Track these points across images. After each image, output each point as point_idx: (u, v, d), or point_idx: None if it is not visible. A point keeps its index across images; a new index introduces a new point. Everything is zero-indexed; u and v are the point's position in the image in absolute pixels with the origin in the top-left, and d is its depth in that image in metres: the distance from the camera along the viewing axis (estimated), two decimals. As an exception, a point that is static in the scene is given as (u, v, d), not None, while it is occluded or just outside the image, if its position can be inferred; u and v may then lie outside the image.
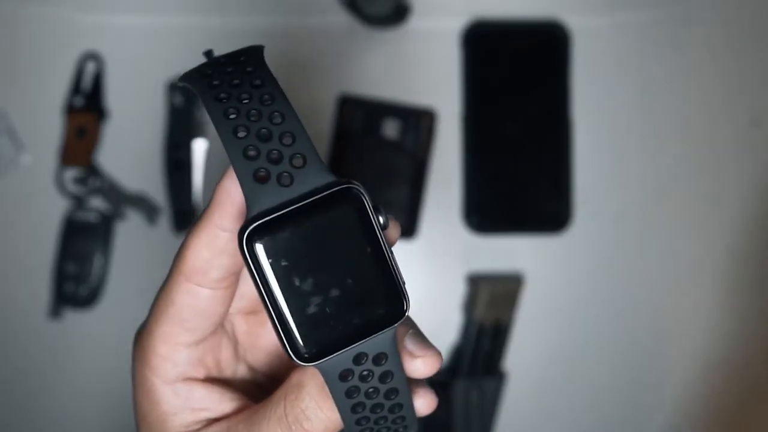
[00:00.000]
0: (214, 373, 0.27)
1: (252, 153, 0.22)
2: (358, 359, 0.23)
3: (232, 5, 0.63)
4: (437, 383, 0.61)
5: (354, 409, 0.24)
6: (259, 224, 0.22)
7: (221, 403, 0.26)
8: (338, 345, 0.23)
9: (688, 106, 0.63)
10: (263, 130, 0.22)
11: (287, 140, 0.22)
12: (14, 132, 0.62)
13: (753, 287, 0.63)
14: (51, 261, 0.62)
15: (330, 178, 0.22)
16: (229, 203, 0.23)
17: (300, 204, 0.22)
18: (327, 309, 0.22)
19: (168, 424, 0.26)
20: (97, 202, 0.62)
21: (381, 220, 0.23)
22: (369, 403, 0.24)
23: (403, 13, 0.61)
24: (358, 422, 0.25)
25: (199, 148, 0.62)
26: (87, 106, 0.62)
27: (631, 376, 0.63)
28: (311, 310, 0.22)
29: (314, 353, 0.22)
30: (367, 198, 0.22)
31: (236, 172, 0.22)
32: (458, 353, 0.61)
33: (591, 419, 0.63)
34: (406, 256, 0.62)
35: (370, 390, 0.24)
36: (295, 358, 0.22)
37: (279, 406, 0.24)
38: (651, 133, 0.63)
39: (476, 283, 0.61)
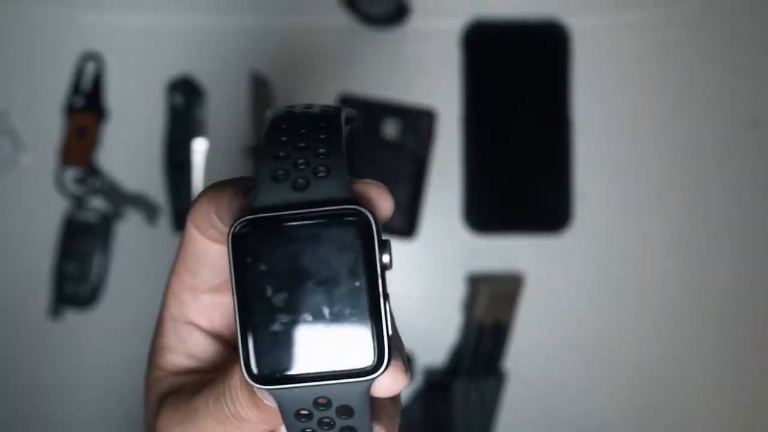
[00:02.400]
0: (221, 330, 0.27)
1: (282, 154, 0.21)
2: (317, 403, 0.21)
3: (232, 5, 0.63)
4: (437, 383, 0.61)
5: None
6: (255, 218, 0.20)
7: (215, 358, 0.26)
8: (295, 378, 0.20)
9: (688, 106, 0.63)
10: (301, 143, 0.22)
11: (322, 151, 0.21)
12: (14, 132, 0.62)
13: (754, 286, 0.63)
14: (51, 261, 0.62)
15: (347, 195, 0.21)
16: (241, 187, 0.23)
17: (303, 211, 0.20)
18: (294, 333, 0.20)
19: (162, 358, 0.26)
20: (97, 202, 0.62)
21: (385, 259, 0.20)
22: None
23: (403, 13, 0.61)
24: None
25: (199, 148, 0.62)
26: (87, 106, 0.61)
27: (632, 375, 0.63)
28: (276, 327, 0.20)
29: (265, 376, 0.20)
30: (376, 229, 0.20)
31: (258, 168, 0.21)
32: (458, 353, 0.61)
33: (591, 419, 0.63)
34: (406, 256, 0.62)
35: None
36: (245, 375, 0.20)
37: (220, 381, 0.23)
38: (651, 132, 0.63)
39: (476, 283, 0.61)
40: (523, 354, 0.62)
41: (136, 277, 0.62)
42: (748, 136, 0.63)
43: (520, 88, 0.63)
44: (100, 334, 0.62)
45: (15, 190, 0.62)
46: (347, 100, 0.61)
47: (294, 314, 0.20)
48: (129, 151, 0.63)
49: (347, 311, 0.20)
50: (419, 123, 0.61)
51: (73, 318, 0.62)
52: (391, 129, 0.61)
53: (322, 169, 0.21)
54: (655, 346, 0.63)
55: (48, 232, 0.62)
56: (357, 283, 0.20)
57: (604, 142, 0.63)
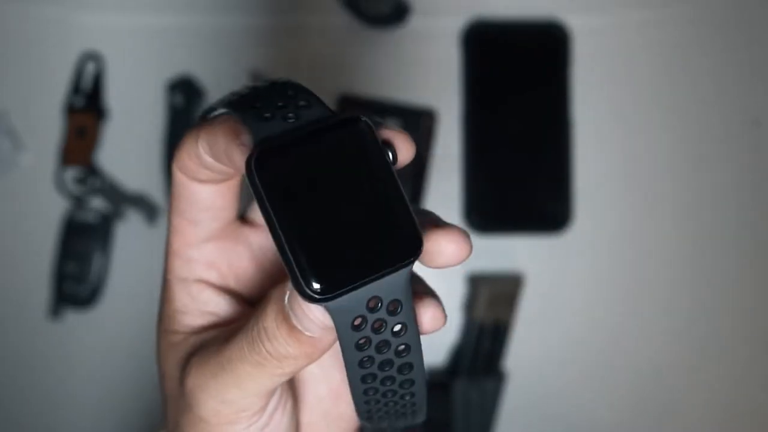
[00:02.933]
0: (231, 282, 0.27)
1: (264, 112, 0.22)
2: (369, 307, 0.21)
3: (232, 5, 0.63)
4: (437, 383, 0.61)
5: (362, 364, 0.22)
6: (267, 148, 0.21)
7: (229, 311, 0.26)
8: (352, 279, 0.21)
9: (688, 106, 0.63)
10: (280, 102, 0.22)
11: (302, 104, 0.22)
12: (14, 132, 0.62)
13: (754, 286, 0.63)
14: (51, 261, 0.62)
15: (334, 113, 0.22)
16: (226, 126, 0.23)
17: (307, 130, 0.21)
18: (340, 241, 0.21)
19: (177, 322, 0.26)
20: (97, 202, 0.62)
21: (390, 154, 0.22)
22: (378, 358, 0.22)
23: (403, 13, 0.61)
24: (364, 379, 0.23)
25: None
26: (87, 106, 0.62)
27: (631, 375, 0.63)
28: (323, 241, 0.20)
29: (325, 288, 0.20)
30: (375, 129, 0.21)
31: (243, 119, 0.22)
32: (458, 353, 0.61)
33: (591, 419, 0.63)
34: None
35: (381, 342, 0.22)
36: (305, 294, 0.20)
37: (252, 326, 0.23)
38: (651, 132, 0.63)
39: (476, 283, 0.61)
40: (523, 354, 0.62)
41: (136, 277, 0.62)
42: (749, 136, 0.63)
43: (520, 88, 0.63)
44: (100, 334, 0.62)
45: (15, 190, 0.62)
46: (347, 100, 0.61)
47: (336, 223, 0.21)
48: (129, 151, 0.63)
49: (377, 206, 0.21)
50: (419, 123, 0.61)
51: (73, 318, 0.62)
52: (391, 129, 0.61)
53: (303, 103, 0.22)
54: (655, 345, 0.63)
55: (48, 232, 0.62)
56: (376, 180, 0.21)
57: (604, 142, 0.62)
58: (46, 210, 0.62)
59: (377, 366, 0.23)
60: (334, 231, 0.21)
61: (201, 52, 0.63)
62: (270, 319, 0.22)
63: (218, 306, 0.26)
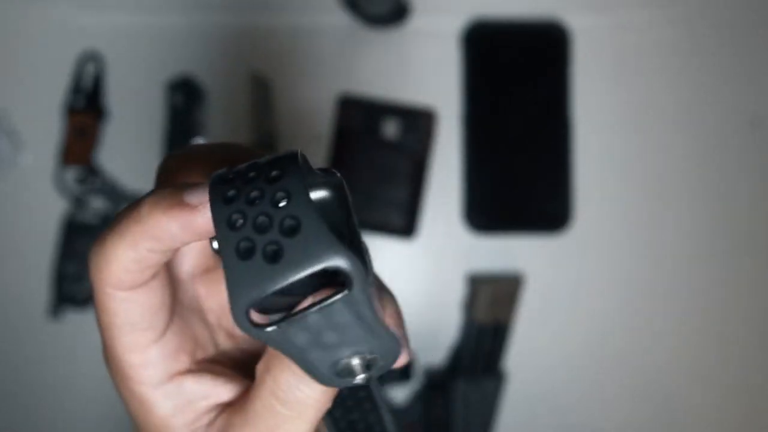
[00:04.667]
0: (199, 356, 0.25)
1: (235, 216, 0.20)
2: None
3: (232, 5, 0.63)
4: (437, 383, 0.61)
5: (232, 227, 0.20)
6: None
7: (215, 387, 0.24)
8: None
9: (688, 106, 0.63)
10: (254, 193, 0.20)
11: (280, 195, 0.19)
12: (14, 132, 0.62)
13: (755, 286, 0.63)
14: (51, 261, 0.62)
15: (332, 253, 0.19)
16: (158, 228, 0.21)
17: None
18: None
19: (170, 427, 0.24)
20: (97, 202, 0.62)
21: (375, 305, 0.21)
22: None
23: (403, 13, 0.61)
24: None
25: (199, 148, 0.62)
26: (87, 106, 0.62)
27: (631, 375, 0.63)
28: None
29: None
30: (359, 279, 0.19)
31: (219, 247, 0.20)
32: (458, 353, 0.61)
33: (590, 419, 0.63)
34: (406, 256, 0.62)
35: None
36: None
37: (265, 382, 0.22)
38: (651, 132, 0.63)
39: (476, 283, 0.61)
40: (523, 354, 0.62)
41: (136, 277, 0.62)
42: (748, 136, 0.63)
43: (520, 88, 0.62)
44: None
45: (15, 190, 0.62)
46: (347, 100, 0.61)
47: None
48: (129, 151, 0.63)
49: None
50: (419, 123, 0.61)
51: (73, 318, 0.62)
52: (391, 129, 0.61)
53: (288, 222, 0.19)
54: (655, 345, 0.63)
55: (48, 232, 0.62)
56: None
57: (604, 141, 0.63)
58: (46, 210, 0.62)
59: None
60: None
61: (201, 52, 0.63)
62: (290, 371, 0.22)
63: (202, 389, 0.24)
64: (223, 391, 0.24)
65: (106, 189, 0.61)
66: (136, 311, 0.23)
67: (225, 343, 0.26)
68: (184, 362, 0.24)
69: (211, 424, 0.24)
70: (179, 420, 0.24)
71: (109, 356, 0.24)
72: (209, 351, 0.26)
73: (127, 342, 0.23)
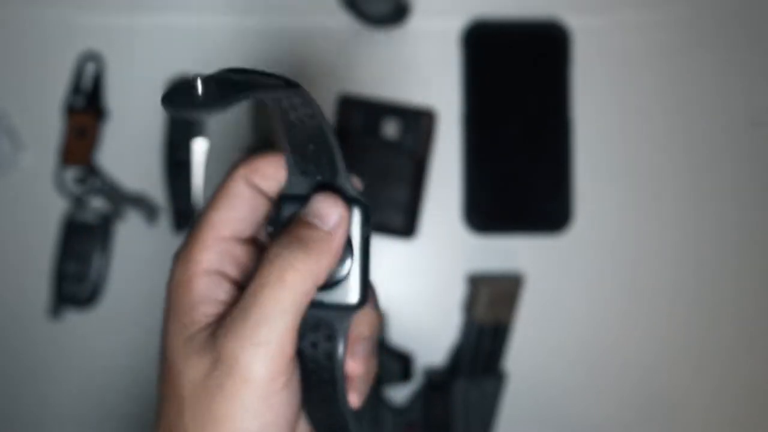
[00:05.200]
0: (243, 279, 0.29)
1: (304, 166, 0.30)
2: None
3: (232, 5, 0.63)
4: (437, 383, 0.61)
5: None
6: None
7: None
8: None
9: (688, 106, 0.63)
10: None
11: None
12: (14, 132, 0.62)
13: (754, 286, 0.63)
14: (51, 261, 0.62)
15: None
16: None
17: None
18: None
19: (195, 311, 0.27)
20: (97, 202, 0.62)
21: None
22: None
23: (403, 13, 0.61)
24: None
25: (199, 148, 0.62)
26: (87, 106, 0.62)
27: (631, 375, 0.63)
28: None
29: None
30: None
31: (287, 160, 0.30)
32: (458, 353, 0.61)
33: (591, 419, 0.63)
34: (406, 256, 0.62)
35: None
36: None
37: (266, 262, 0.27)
38: (651, 132, 0.63)
39: (476, 283, 0.61)
40: (523, 354, 0.62)
41: (136, 277, 0.62)
42: (748, 136, 0.63)
43: (520, 88, 0.62)
44: (100, 334, 0.62)
45: (15, 190, 0.62)
46: (347, 100, 0.61)
47: None
48: (129, 151, 0.63)
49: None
50: (419, 123, 0.61)
51: (73, 318, 0.62)
52: (391, 129, 0.61)
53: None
54: (655, 346, 0.63)
55: (48, 232, 0.62)
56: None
57: (604, 142, 0.63)
58: (46, 210, 0.62)
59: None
60: None
61: (201, 52, 0.63)
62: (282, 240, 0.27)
63: (233, 297, 0.28)
64: None
65: (106, 189, 0.61)
66: (241, 199, 0.29)
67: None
68: (233, 272, 0.29)
69: (217, 320, 0.28)
70: (203, 308, 0.28)
71: (193, 231, 0.29)
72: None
73: (213, 219, 0.29)
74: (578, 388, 0.63)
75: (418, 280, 0.62)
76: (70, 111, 0.62)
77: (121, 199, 0.62)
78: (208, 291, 0.28)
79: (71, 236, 0.61)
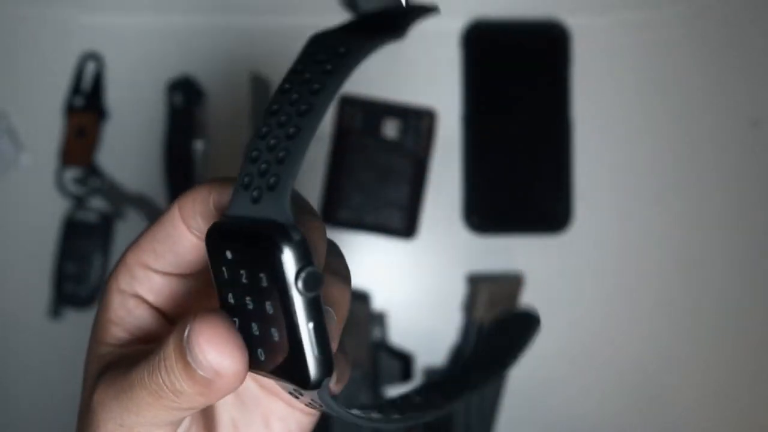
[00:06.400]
0: (166, 309, 0.27)
1: (254, 154, 0.22)
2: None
3: (231, 5, 0.63)
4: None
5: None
6: (217, 229, 0.22)
7: (158, 333, 0.26)
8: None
9: (688, 106, 0.63)
10: (272, 141, 0.22)
11: (281, 156, 0.22)
12: (14, 132, 0.62)
13: (754, 287, 0.63)
14: (51, 261, 0.62)
15: (278, 216, 0.21)
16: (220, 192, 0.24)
17: (242, 227, 0.22)
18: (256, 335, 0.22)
19: (107, 333, 0.26)
20: (97, 202, 0.62)
21: (300, 285, 0.21)
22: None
23: (403, 13, 0.61)
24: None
25: (199, 148, 0.62)
26: (87, 106, 0.62)
27: (631, 375, 0.63)
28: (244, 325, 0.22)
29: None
30: (288, 258, 0.21)
31: (240, 166, 0.23)
32: (458, 353, 0.61)
33: (590, 419, 0.63)
34: (406, 256, 0.62)
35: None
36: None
37: (156, 353, 0.23)
38: (651, 132, 0.63)
39: (476, 283, 0.61)
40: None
41: (136, 277, 0.62)
42: (748, 136, 0.63)
43: (520, 88, 0.62)
44: (100, 334, 0.62)
45: (15, 190, 0.62)
46: (347, 100, 0.61)
47: (253, 316, 0.22)
48: (129, 151, 0.63)
49: (281, 328, 0.21)
50: (419, 123, 0.61)
51: (73, 318, 0.62)
52: (391, 129, 0.61)
53: (272, 180, 0.21)
54: (655, 346, 0.63)
55: (48, 232, 0.62)
56: (280, 305, 0.21)
57: (604, 142, 0.62)
58: (46, 210, 0.62)
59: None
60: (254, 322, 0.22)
61: (201, 52, 0.63)
62: (169, 350, 0.22)
63: (150, 325, 0.26)
64: (158, 337, 0.26)
65: (106, 189, 0.61)
66: (171, 238, 0.26)
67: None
68: (151, 297, 0.27)
69: (131, 346, 0.26)
70: (114, 330, 0.26)
71: (124, 253, 0.27)
72: (174, 310, 0.27)
73: (141, 247, 0.27)
74: (578, 388, 0.63)
75: (418, 280, 0.62)
76: (70, 111, 0.62)
77: (121, 199, 0.62)
78: (121, 312, 0.26)
79: (71, 236, 0.61)
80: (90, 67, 0.62)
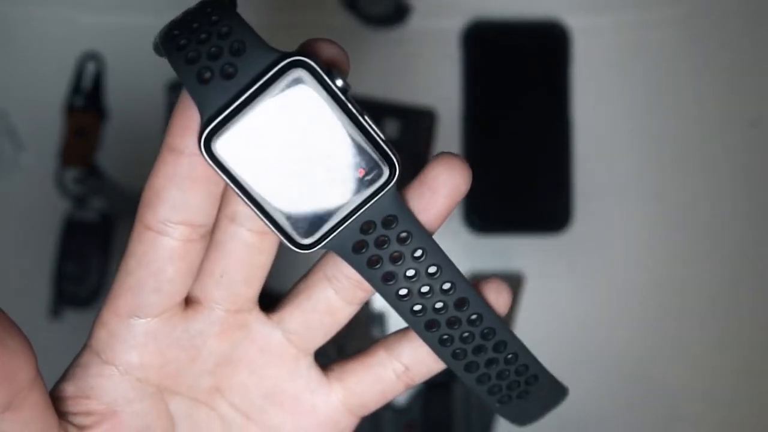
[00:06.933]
0: (150, 374, 0.25)
1: (192, 55, 0.21)
2: (365, 229, 0.22)
3: (232, 5, 0.63)
4: (437, 383, 0.61)
5: (385, 279, 0.23)
6: (213, 125, 0.20)
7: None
8: (337, 224, 0.21)
9: (688, 106, 0.63)
10: (203, 35, 0.21)
11: (224, 30, 0.21)
12: (14, 132, 0.62)
13: (754, 287, 0.63)
14: (51, 261, 0.62)
15: (274, 56, 0.20)
16: (188, 120, 0.21)
17: (249, 92, 0.20)
18: (313, 193, 0.21)
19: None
20: (97, 202, 0.62)
21: (339, 83, 0.20)
22: (399, 271, 0.23)
23: (403, 13, 0.61)
24: (413, 313, 0.25)
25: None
26: (87, 106, 0.62)
27: (631, 375, 0.63)
28: (296, 197, 0.21)
29: (316, 240, 0.21)
30: (318, 67, 0.20)
31: (182, 81, 0.21)
32: (458, 353, 0.61)
33: (590, 419, 0.63)
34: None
35: (395, 254, 0.23)
36: (299, 250, 0.21)
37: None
38: (651, 132, 0.63)
39: (476, 283, 0.61)
40: (523, 354, 0.62)
41: (136, 277, 0.62)
42: (748, 136, 0.63)
43: (520, 88, 0.63)
44: (100, 334, 0.62)
45: (15, 190, 0.62)
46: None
47: (305, 178, 0.21)
48: (129, 151, 0.63)
49: (342, 147, 0.21)
50: (419, 123, 0.61)
51: (73, 318, 0.62)
52: (391, 129, 0.61)
53: (235, 45, 0.20)
54: (656, 346, 0.63)
55: (48, 232, 0.62)
56: (336, 120, 0.20)
57: (604, 142, 0.63)
58: (46, 210, 0.62)
59: (404, 278, 0.23)
60: (306, 185, 0.21)
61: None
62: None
63: (115, 394, 0.24)
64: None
65: (106, 189, 0.61)
66: (160, 254, 0.25)
67: None
68: (133, 360, 0.25)
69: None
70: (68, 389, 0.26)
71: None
72: (161, 378, 0.26)
73: (118, 293, 0.25)
74: (578, 387, 0.63)
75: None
76: (70, 111, 0.62)
77: (121, 199, 0.62)
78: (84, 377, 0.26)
79: (71, 236, 0.61)
80: (90, 67, 0.62)
